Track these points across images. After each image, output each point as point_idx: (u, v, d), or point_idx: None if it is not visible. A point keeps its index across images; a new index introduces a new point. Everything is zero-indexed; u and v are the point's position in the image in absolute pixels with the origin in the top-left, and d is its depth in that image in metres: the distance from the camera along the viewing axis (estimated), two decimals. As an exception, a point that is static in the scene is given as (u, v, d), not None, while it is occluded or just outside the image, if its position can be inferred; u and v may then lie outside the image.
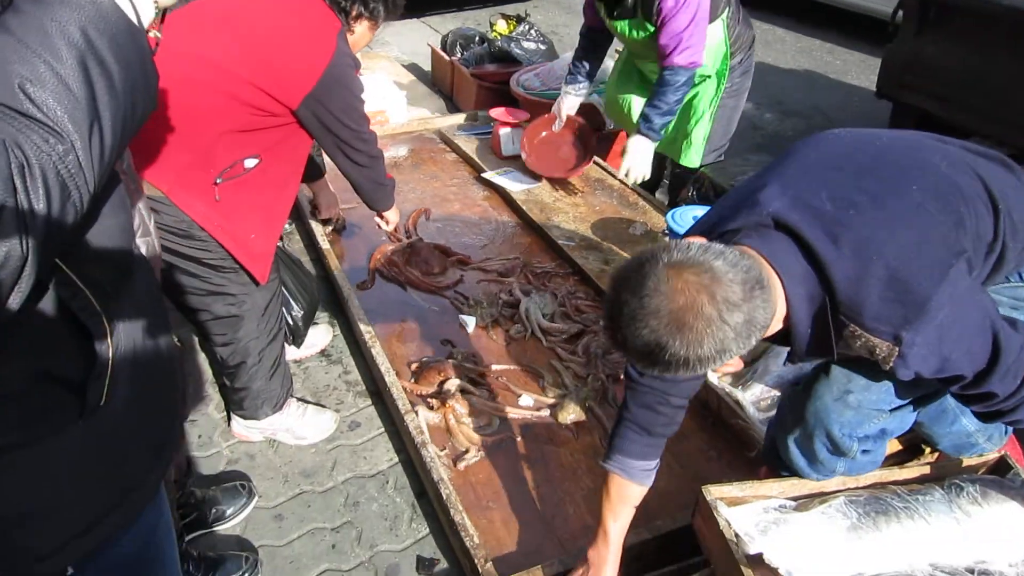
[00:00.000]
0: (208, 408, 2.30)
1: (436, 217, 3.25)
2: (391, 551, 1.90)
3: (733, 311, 1.06)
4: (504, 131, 3.64)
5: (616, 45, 3.16)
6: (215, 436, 2.20)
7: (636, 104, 3.03)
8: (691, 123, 2.95)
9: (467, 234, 3.14)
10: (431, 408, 2.18)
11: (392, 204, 2.25)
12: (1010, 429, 1.74)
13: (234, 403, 2.10)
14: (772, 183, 1.29)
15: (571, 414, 2.19)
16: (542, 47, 4.60)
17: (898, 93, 4.08)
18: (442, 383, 2.25)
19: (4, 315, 0.60)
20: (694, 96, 2.92)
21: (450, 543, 1.89)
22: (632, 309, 1.07)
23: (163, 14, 0.77)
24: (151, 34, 0.75)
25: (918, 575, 1.40)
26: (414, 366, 2.37)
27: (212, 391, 2.35)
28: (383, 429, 2.26)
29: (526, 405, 2.24)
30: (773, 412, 2.09)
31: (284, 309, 2.26)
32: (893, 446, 1.83)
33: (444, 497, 1.83)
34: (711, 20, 2.67)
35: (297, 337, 2.39)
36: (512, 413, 2.21)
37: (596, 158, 3.53)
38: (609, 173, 3.51)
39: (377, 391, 2.37)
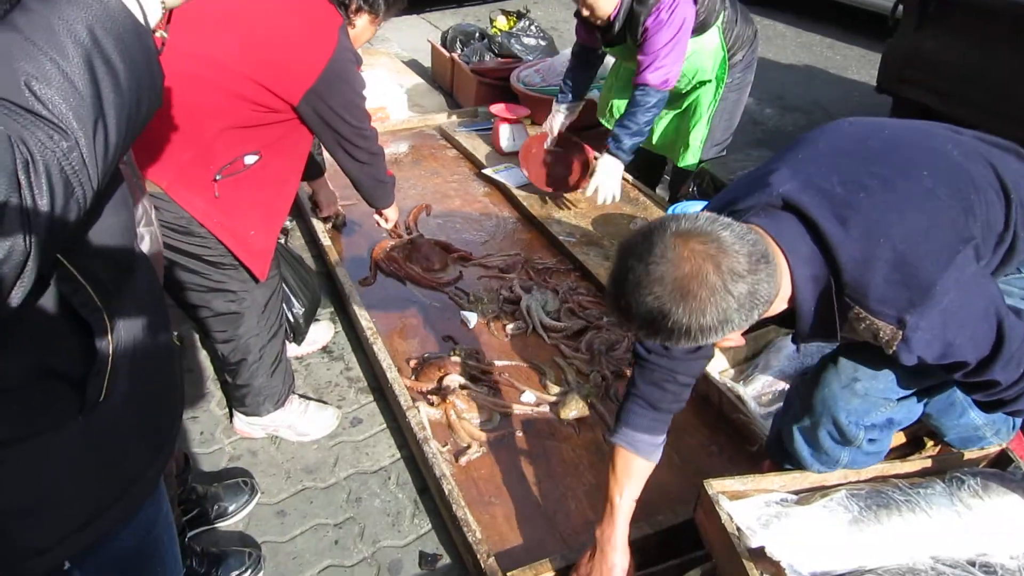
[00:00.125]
0: (210, 405, 2.31)
1: (437, 213, 3.25)
2: (394, 547, 1.90)
3: (738, 281, 1.07)
4: (504, 127, 3.64)
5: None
6: (217, 433, 2.20)
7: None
8: (690, 126, 2.95)
9: (468, 230, 3.14)
10: (431, 404, 2.19)
11: (392, 202, 2.25)
12: (1018, 424, 1.75)
13: (236, 400, 2.10)
14: (783, 166, 1.30)
15: (573, 410, 2.19)
16: (542, 43, 4.59)
17: (898, 88, 4.08)
18: (441, 379, 2.26)
19: (5, 311, 0.61)
20: (694, 99, 2.92)
21: (452, 539, 1.89)
22: (637, 275, 1.08)
23: (169, 13, 0.78)
24: (157, 34, 0.76)
25: (919, 568, 1.40)
26: (413, 363, 2.37)
27: (214, 388, 2.35)
28: (385, 425, 2.26)
29: (528, 401, 2.24)
30: (774, 407, 2.10)
31: (285, 306, 2.26)
32: (896, 439, 1.83)
33: (446, 493, 1.84)
34: (707, 28, 2.67)
35: (298, 335, 2.40)
36: (514, 409, 2.21)
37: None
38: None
39: (379, 387, 2.37)
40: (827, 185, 1.24)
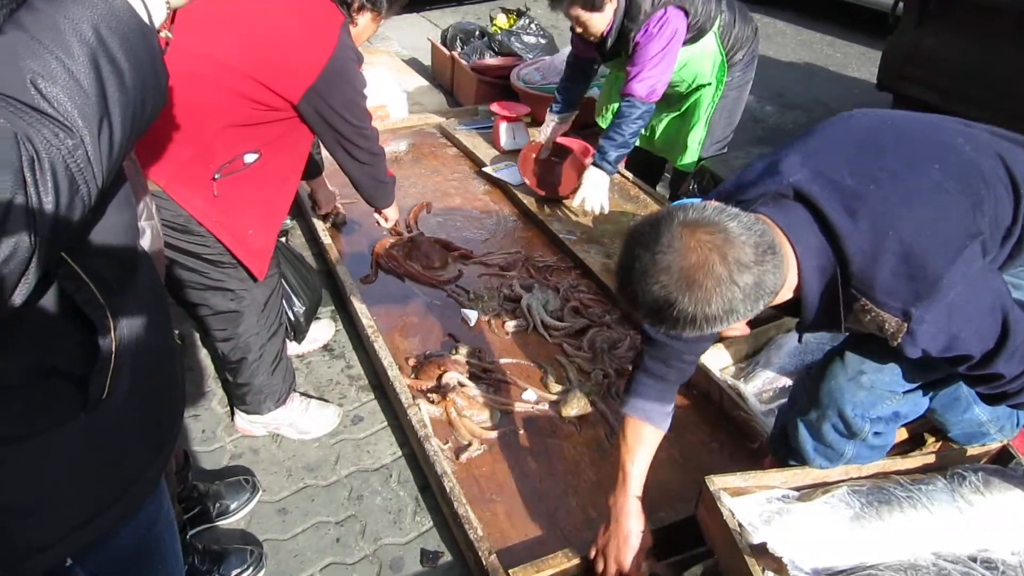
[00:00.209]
0: (211, 403, 2.31)
1: (437, 211, 3.25)
2: (395, 544, 1.90)
3: (744, 272, 1.08)
4: (505, 125, 3.63)
5: None
6: (218, 431, 2.21)
7: None
8: (689, 127, 2.96)
9: (468, 228, 3.14)
10: (432, 402, 2.19)
11: (392, 202, 2.25)
12: (1022, 420, 1.75)
13: (237, 398, 2.10)
14: (794, 155, 1.31)
15: (575, 408, 2.19)
16: (542, 41, 4.59)
17: (899, 85, 4.08)
18: (440, 377, 2.26)
19: (8, 309, 0.61)
20: (693, 101, 2.92)
21: (454, 536, 1.90)
22: (644, 264, 1.10)
23: (173, 13, 0.78)
24: (162, 34, 0.76)
25: (921, 564, 1.40)
26: (412, 361, 2.37)
27: (215, 386, 2.35)
28: (386, 423, 2.26)
29: (529, 399, 2.25)
30: (775, 404, 2.10)
31: (285, 305, 2.26)
32: (898, 435, 1.83)
33: (447, 490, 1.84)
34: (703, 34, 2.67)
35: (299, 333, 2.39)
36: (515, 407, 2.21)
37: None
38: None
39: (380, 385, 2.38)
40: (837, 176, 1.24)
